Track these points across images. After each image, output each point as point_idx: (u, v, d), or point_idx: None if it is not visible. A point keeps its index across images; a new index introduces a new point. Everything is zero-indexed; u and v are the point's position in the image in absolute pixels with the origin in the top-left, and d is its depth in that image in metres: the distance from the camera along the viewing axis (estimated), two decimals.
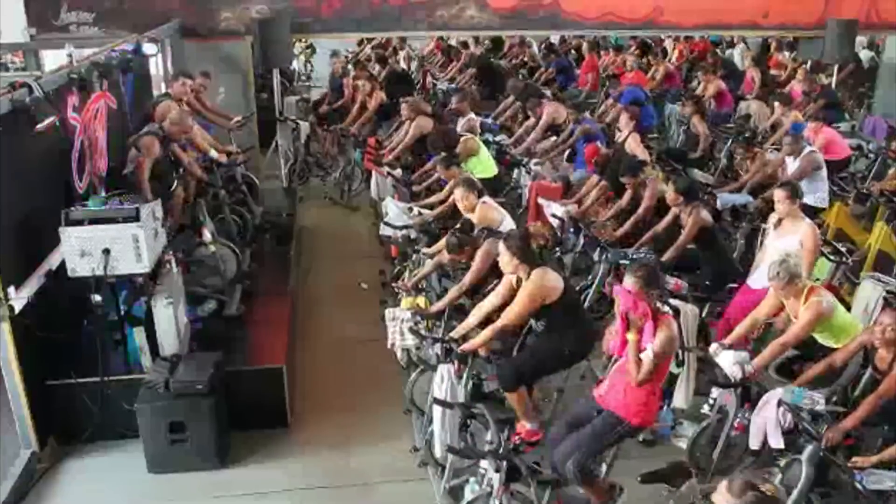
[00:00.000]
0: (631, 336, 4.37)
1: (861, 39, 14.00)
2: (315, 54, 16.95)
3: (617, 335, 4.57)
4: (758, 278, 6.24)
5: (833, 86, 12.32)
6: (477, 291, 6.03)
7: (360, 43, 16.83)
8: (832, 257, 6.89)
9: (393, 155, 9.37)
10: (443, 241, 6.43)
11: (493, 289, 5.52)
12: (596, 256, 7.06)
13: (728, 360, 4.98)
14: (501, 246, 5.17)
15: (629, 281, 4.42)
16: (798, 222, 6.15)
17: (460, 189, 6.70)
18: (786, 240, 6.11)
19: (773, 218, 6.39)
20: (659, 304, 4.54)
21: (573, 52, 16.43)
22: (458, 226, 6.41)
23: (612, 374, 4.73)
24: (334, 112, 12.27)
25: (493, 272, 5.63)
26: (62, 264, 5.42)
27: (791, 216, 6.18)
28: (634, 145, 8.71)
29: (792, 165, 7.98)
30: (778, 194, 6.22)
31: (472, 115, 9.95)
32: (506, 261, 5.14)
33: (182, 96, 8.18)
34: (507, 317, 5.10)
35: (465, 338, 5.28)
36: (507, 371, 5.32)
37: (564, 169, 9.46)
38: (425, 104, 10.20)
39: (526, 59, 15.92)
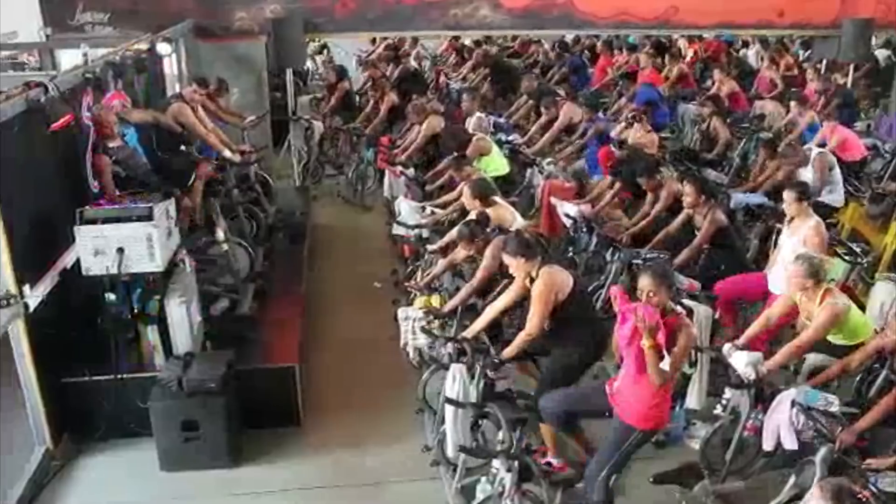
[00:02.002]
0: (646, 342, 4.23)
1: (878, 38, 13.89)
2: (329, 54, 16.98)
3: (623, 342, 4.51)
4: (773, 279, 6.23)
5: (849, 85, 12.23)
6: (489, 291, 6.02)
7: (374, 41, 16.84)
8: (847, 258, 6.85)
9: (405, 154, 9.38)
10: (450, 235, 6.48)
11: (504, 288, 5.51)
12: (609, 256, 7.04)
13: (741, 361, 4.95)
14: (504, 256, 5.18)
15: (644, 281, 4.37)
16: (805, 220, 6.14)
17: (466, 189, 6.70)
18: (794, 238, 6.13)
19: (788, 217, 6.38)
20: (673, 305, 4.52)
21: (587, 51, 16.38)
22: (474, 217, 6.36)
23: (620, 381, 4.67)
24: (345, 112, 12.28)
25: (505, 271, 5.61)
26: (76, 263, 5.45)
27: (800, 215, 6.17)
28: (641, 134, 8.68)
29: (805, 173, 7.92)
30: (787, 196, 6.23)
31: (481, 115, 9.94)
32: (514, 265, 5.13)
33: (192, 102, 8.19)
34: (531, 325, 5.06)
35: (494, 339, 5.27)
36: (551, 407, 4.97)
37: (577, 167, 9.44)
38: (437, 103, 10.21)
39: (539, 58, 15.90)
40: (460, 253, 6.25)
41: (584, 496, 4.62)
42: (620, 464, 4.52)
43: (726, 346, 5.20)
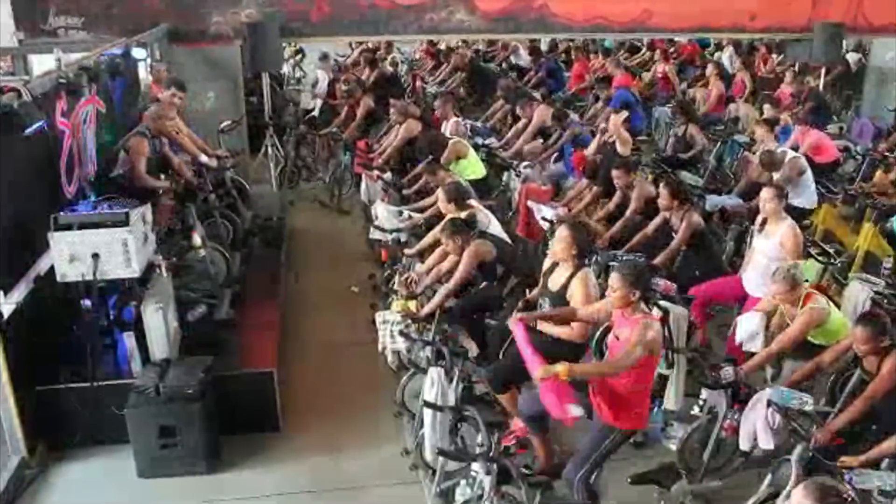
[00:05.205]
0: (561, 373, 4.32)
1: (849, 42, 14.06)
2: (304, 58, 16.93)
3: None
4: (746, 280, 6.28)
5: (821, 88, 12.38)
6: (464, 292, 6.03)
7: (352, 46, 16.81)
8: (820, 258, 6.92)
9: (382, 158, 9.38)
10: (428, 238, 6.51)
11: (481, 289, 5.52)
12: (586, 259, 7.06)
13: None
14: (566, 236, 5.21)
15: (614, 278, 4.43)
16: (780, 223, 6.17)
17: (441, 193, 6.70)
18: (769, 241, 6.16)
19: (758, 219, 6.42)
20: (644, 307, 4.53)
21: (563, 54, 16.46)
22: (463, 216, 6.34)
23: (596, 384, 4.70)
24: (326, 114, 12.26)
25: (480, 273, 5.61)
26: (51, 269, 5.40)
27: (774, 217, 6.20)
28: (617, 129, 8.74)
29: (777, 175, 7.99)
30: (765, 193, 6.24)
31: (458, 119, 9.95)
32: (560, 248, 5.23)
33: (169, 107, 8.11)
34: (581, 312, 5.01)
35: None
36: (497, 374, 5.33)
37: (554, 171, 9.48)
38: (414, 108, 10.22)
39: (518, 61, 15.93)
40: (446, 264, 6.24)
41: (566, 499, 4.65)
42: (598, 463, 4.57)
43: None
